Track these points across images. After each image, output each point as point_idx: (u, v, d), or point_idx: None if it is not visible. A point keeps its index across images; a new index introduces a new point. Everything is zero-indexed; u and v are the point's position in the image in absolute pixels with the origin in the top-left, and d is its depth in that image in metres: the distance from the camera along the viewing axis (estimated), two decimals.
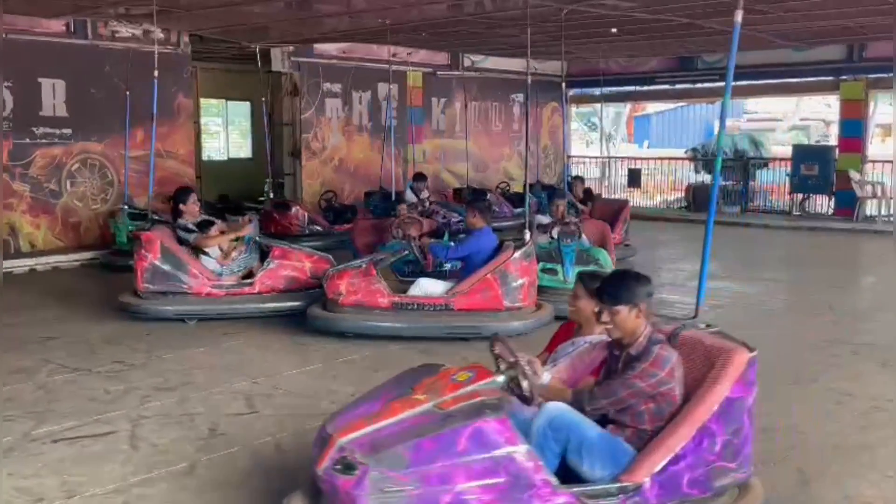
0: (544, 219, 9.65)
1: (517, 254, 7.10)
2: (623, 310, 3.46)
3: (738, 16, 3.72)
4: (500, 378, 3.39)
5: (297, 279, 7.87)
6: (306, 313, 7.22)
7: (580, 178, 13.56)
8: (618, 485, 3.22)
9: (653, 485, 3.22)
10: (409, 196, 12.78)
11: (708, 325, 3.79)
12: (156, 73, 8.70)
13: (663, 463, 3.24)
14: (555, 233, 8.48)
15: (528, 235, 7.58)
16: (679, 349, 3.50)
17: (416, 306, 7.03)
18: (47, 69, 11.47)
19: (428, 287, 7.24)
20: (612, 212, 11.28)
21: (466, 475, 2.98)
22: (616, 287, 3.53)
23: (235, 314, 7.62)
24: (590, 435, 3.33)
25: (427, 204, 12.69)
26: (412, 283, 7.42)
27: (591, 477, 3.28)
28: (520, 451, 3.05)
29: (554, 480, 3.11)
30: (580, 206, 11.51)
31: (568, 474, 3.28)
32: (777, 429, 4.88)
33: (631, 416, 3.40)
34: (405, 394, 3.39)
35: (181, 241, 7.88)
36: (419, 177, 13.55)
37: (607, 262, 8.10)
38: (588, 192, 12.73)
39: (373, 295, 7.00)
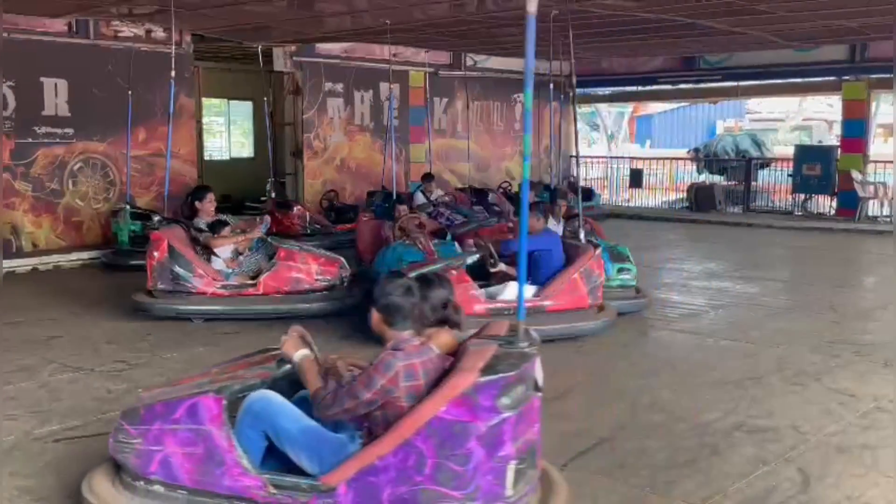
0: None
1: (598, 251, 7.15)
2: (373, 311, 3.38)
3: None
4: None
5: (301, 281, 7.81)
6: None
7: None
8: (309, 482, 3.20)
9: (348, 491, 3.10)
10: (419, 198, 12.61)
11: (530, 344, 3.37)
12: (172, 73, 8.73)
13: (356, 471, 3.10)
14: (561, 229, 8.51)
15: (582, 234, 7.54)
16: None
17: (510, 311, 6.68)
18: (49, 69, 11.47)
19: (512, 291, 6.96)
20: None
21: (174, 441, 3.39)
22: (377, 289, 3.41)
23: (240, 315, 7.58)
24: (287, 427, 3.31)
25: (438, 204, 12.42)
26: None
27: (309, 469, 3.28)
28: (217, 430, 3.32)
29: (245, 463, 3.27)
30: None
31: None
32: (778, 429, 4.89)
33: (368, 420, 3.23)
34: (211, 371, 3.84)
35: (195, 240, 7.89)
36: (428, 177, 13.50)
37: (631, 258, 8.22)
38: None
39: (470, 302, 6.58)
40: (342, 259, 8.12)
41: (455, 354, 3.30)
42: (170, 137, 9.19)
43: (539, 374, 3.31)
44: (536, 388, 3.29)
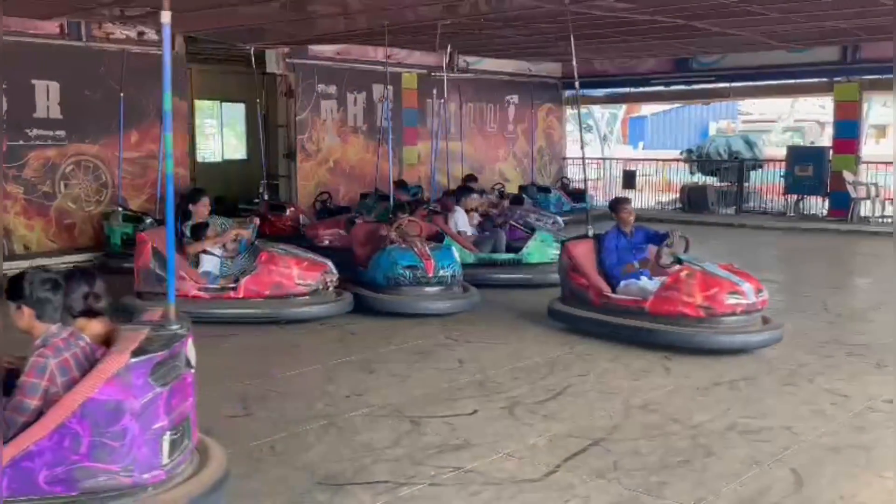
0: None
1: None
2: (11, 307, 3.42)
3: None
4: None
5: (283, 285, 7.65)
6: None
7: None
8: None
9: (2, 477, 3.11)
10: (461, 219, 10.36)
11: (182, 327, 3.57)
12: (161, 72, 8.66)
13: (10, 459, 3.16)
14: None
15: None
16: None
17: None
18: (41, 71, 11.43)
19: (647, 285, 7.07)
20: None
21: None
22: (11, 284, 3.45)
23: (219, 318, 7.45)
24: None
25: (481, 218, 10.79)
26: None
27: None
28: None
29: None
30: None
31: None
32: (772, 429, 4.89)
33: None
34: None
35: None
36: (470, 178, 13.34)
37: None
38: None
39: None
40: (329, 264, 7.98)
41: (108, 342, 3.45)
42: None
43: (191, 352, 3.54)
44: (188, 365, 3.52)
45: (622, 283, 7.17)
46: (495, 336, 7.27)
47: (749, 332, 6.58)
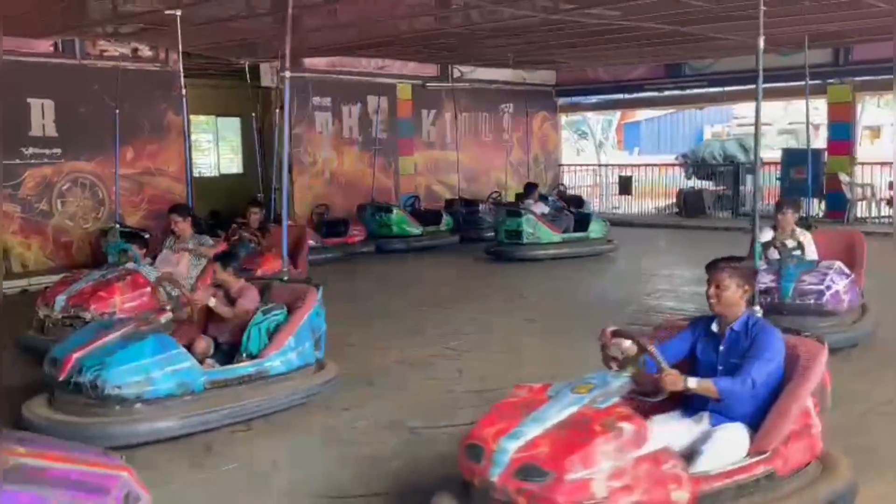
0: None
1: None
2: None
3: None
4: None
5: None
6: None
7: (257, 203, 11.56)
8: None
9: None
10: (541, 209, 12.88)
11: None
12: (184, 91, 9.05)
13: None
14: None
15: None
16: None
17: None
18: (36, 89, 11.47)
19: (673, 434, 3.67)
20: (291, 241, 9.09)
21: None
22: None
23: None
24: None
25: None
26: None
27: None
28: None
29: None
30: (257, 237, 10.22)
31: None
32: None
33: None
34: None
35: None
36: (533, 186, 13.69)
37: None
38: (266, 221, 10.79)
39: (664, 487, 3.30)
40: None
41: None
42: (189, 154, 8.79)
43: None
44: None
45: None
46: None
47: None
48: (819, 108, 18.15)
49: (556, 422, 3.35)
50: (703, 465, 3.51)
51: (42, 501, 2.43)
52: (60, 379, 5.02)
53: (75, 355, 5.07)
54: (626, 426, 3.26)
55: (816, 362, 3.79)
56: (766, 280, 6.94)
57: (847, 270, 7.22)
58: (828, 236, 8.20)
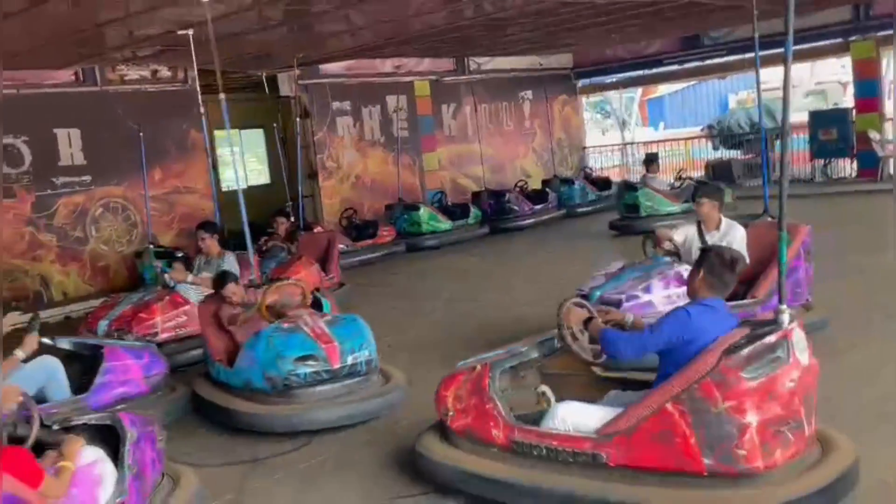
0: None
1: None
2: None
3: None
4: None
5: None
6: (417, 448, 4.37)
7: (285, 213, 12.01)
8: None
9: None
10: (658, 182, 13.49)
11: None
12: (202, 109, 9.30)
13: None
14: None
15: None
16: None
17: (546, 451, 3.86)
18: (61, 119, 11.67)
19: (575, 416, 3.89)
20: (321, 247, 10.09)
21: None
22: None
23: None
24: None
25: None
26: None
27: None
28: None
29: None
30: (287, 246, 10.16)
31: None
32: None
33: None
34: None
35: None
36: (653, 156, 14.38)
37: None
38: (295, 229, 10.95)
39: (485, 421, 4.09)
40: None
41: None
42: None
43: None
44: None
45: None
46: None
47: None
48: (846, 66, 17.83)
49: None
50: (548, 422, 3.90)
51: None
52: None
53: None
54: None
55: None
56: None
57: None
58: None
